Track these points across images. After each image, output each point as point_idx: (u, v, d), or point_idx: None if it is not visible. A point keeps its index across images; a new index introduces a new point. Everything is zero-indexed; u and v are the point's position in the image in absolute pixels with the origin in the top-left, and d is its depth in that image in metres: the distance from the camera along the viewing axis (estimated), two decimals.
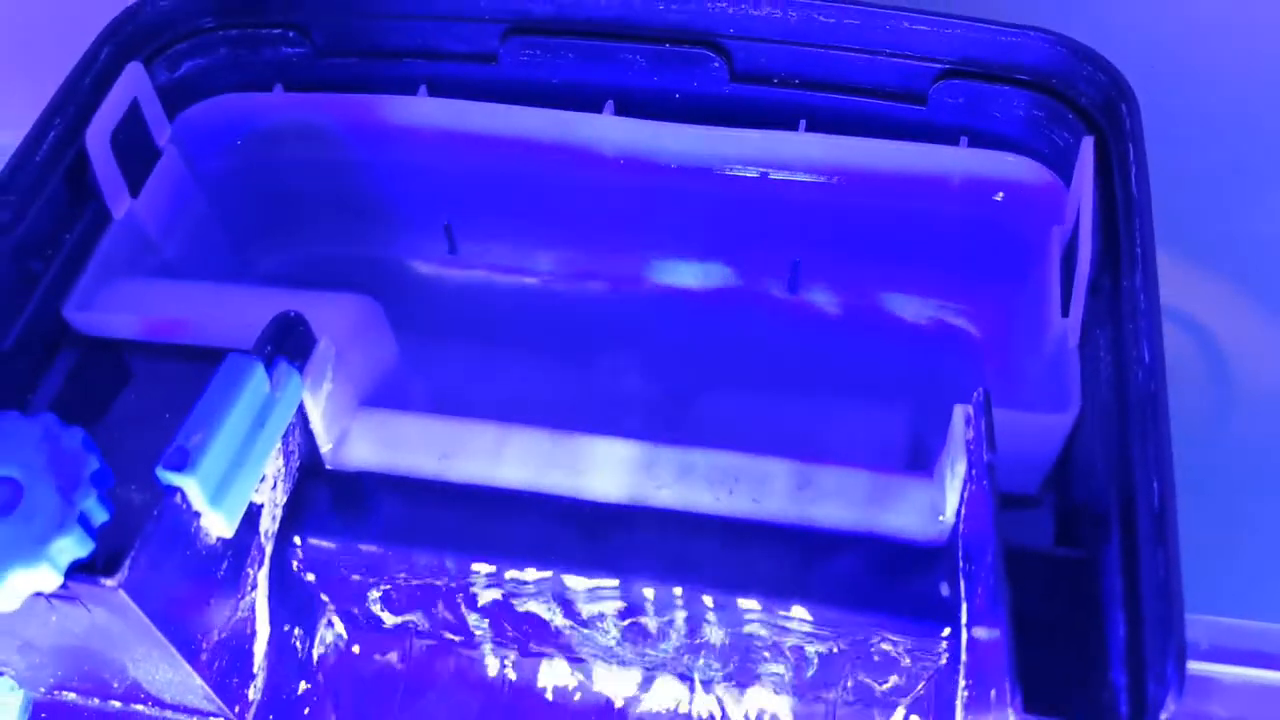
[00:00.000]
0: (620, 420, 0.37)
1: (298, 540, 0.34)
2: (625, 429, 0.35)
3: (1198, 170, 0.46)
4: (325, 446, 0.35)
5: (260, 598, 0.34)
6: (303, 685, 0.37)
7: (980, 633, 0.30)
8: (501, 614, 0.35)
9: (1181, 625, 0.25)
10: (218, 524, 0.30)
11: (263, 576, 0.33)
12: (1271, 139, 0.45)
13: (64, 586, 0.28)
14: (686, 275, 0.43)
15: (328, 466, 0.35)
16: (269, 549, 0.33)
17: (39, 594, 0.28)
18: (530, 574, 0.34)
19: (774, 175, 0.39)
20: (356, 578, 0.35)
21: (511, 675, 0.37)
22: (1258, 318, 0.51)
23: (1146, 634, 0.26)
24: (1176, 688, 0.24)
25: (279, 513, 0.34)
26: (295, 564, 0.35)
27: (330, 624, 0.37)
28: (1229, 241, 0.49)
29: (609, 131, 0.39)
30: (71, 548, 0.28)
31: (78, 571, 0.28)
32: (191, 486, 0.29)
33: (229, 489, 0.30)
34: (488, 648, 0.37)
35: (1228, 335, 0.52)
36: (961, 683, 0.31)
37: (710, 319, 0.43)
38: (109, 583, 0.28)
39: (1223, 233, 0.49)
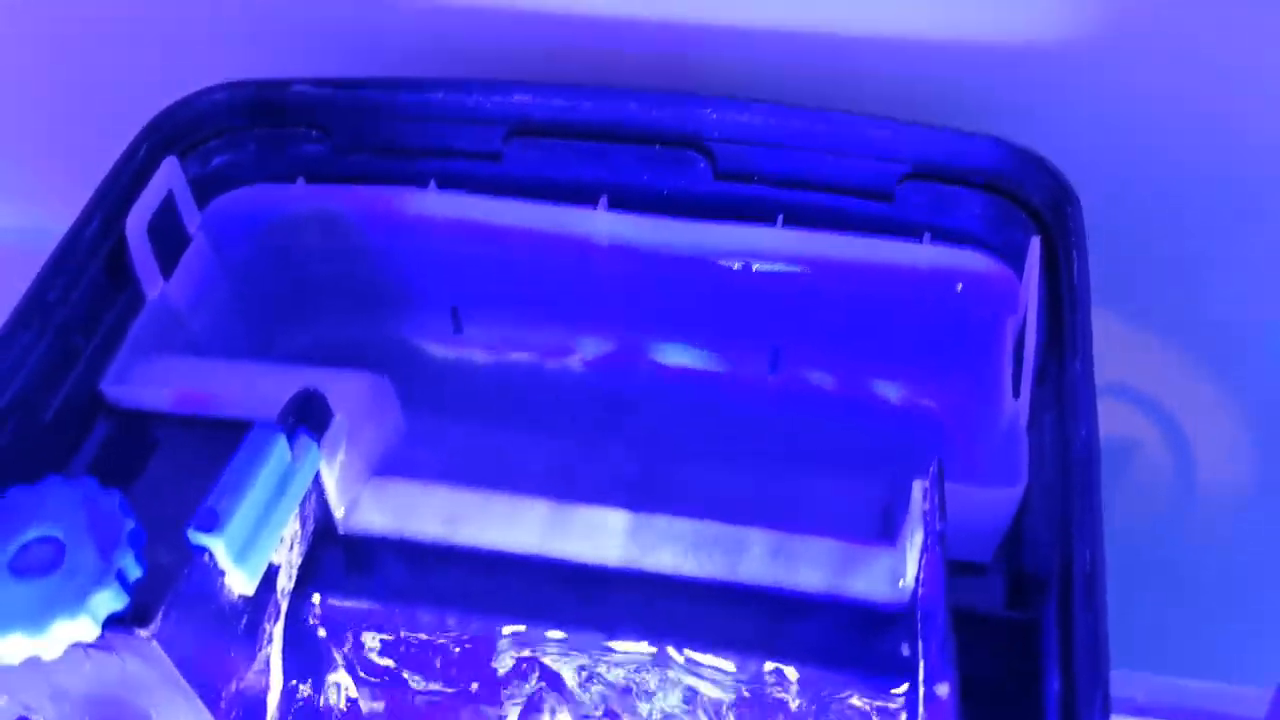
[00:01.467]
0: (610, 490, 0.40)
1: (315, 599, 0.37)
2: (615, 498, 0.38)
3: (1156, 253, 0.49)
4: (338, 512, 0.38)
5: (275, 652, 0.36)
6: None
7: (935, 689, 0.33)
8: (496, 669, 0.38)
9: (1106, 681, 0.28)
10: (241, 581, 0.33)
11: (278, 631, 0.36)
12: (1217, 221, 0.48)
13: (101, 637, 0.31)
14: (674, 356, 0.46)
15: (340, 531, 0.38)
16: (284, 606, 0.36)
17: (77, 644, 0.31)
18: (525, 631, 0.37)
19: (755, 266, 0.42)
20: (366, 634, 0.38)
21: None
22: (1212, 393, 0.54)
23: (1079, 689, 0.29)
24: None
25: (295, 572, 0.37)
26: (310, 620, 0.37)
27: (337, 679, 0.40)
28: (1184, 320, 0.52)
29: (602, 225, 0.42)
30: (109, 601, 0.30)
31: (114, 623, 0.31)
32: (219, 547, 0.32)
33: (252, 549, 0.33)
34: (490, 705, 0.40)
35: (1183, 409, 0.55)
36: None
37: (695, 397, 0.46)
38: (143, 633, 0.30)
39: (1180, 312, 0.52)
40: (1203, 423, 0.52)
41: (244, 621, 0.34)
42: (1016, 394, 0.36)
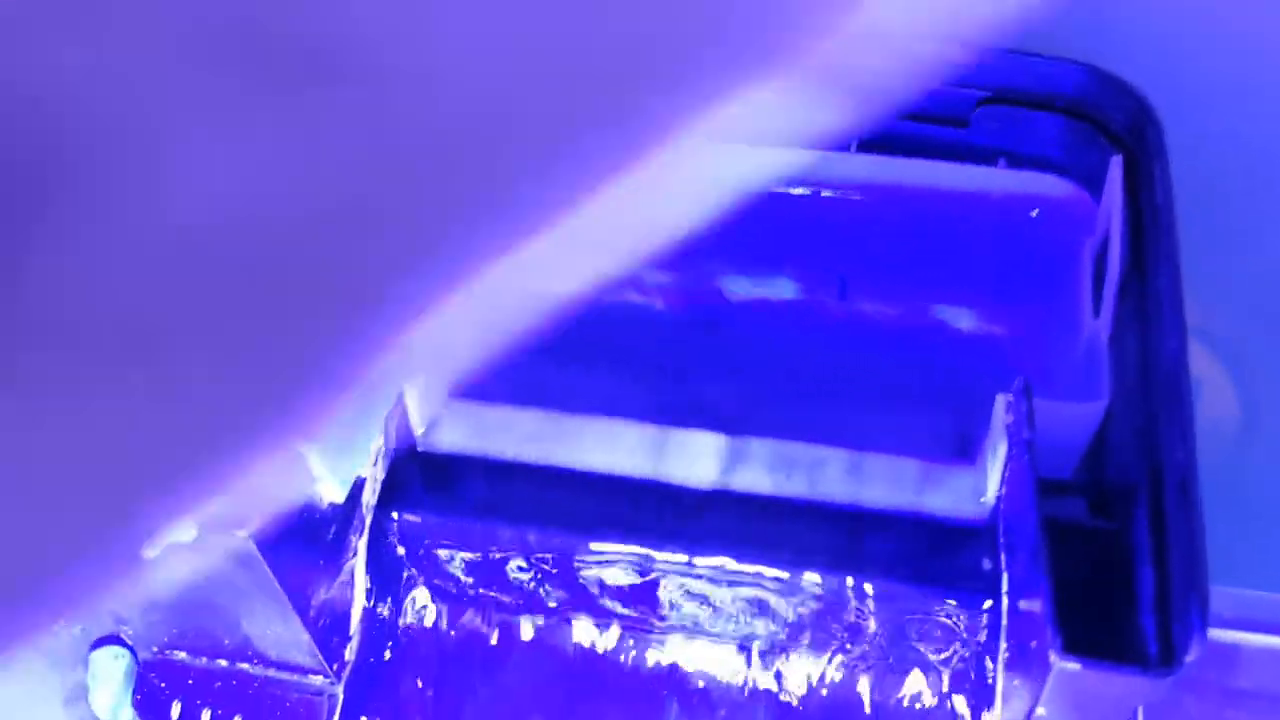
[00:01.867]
0: (694, 417, 0.41)
1: (394, 515, 0.37)
2: (699, 424, 0.38)
3: (1220, 190, 0.49)
4: (419, 430, 0.38)
5: (359, 565, 0.37)
6: (388, 651, 0.40)
7: (1021, 602, 0.33)
8: (581, 586, 0.38)
9: (1205, 579, 0.28)
10: (331, 490, 0.34)
11: (362, 545, 0.37)
12: None
13: (199, 538, 0.31)
14: (740, 286, 0.47)
15: (420, 449, 0.39)
16: (369, 520, 0.37)
17: (175, 544, 0.32)
18: (607, 548, 0.37)
19: (824, 193, 0.42)
20: (444, 552, 0.38)
21: (596, 645, 0.40)
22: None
23: (1174, 586, 0.29)
24: (1200, 632, 0.27)
25: (378, 487, 0.37)
26: (390, 537, 0.38)
27: (417, 595, 0.40)
28: (1251, 261, 0.52)
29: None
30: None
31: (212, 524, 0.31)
32: (314, 453, 0.32)
33: (342, 458, 0.34)
34: (573, 618, 0.40)
35: (1248, 351, 0.55)
36: (1002, 645, 0.33)
37: (763, 327, 0.46)
38: (240, 534, 0.31)
39: (1245, 251, 0.52)
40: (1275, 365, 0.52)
41: (332, 531, 0.35)
42: (1097, 313, 0.36)
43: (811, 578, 0.36)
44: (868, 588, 0.35)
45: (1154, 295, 0.34)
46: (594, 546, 0.37)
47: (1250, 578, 0.35)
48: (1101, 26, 0.42)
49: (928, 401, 0.42)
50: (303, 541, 0.34)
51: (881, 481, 0.37)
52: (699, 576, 0.37)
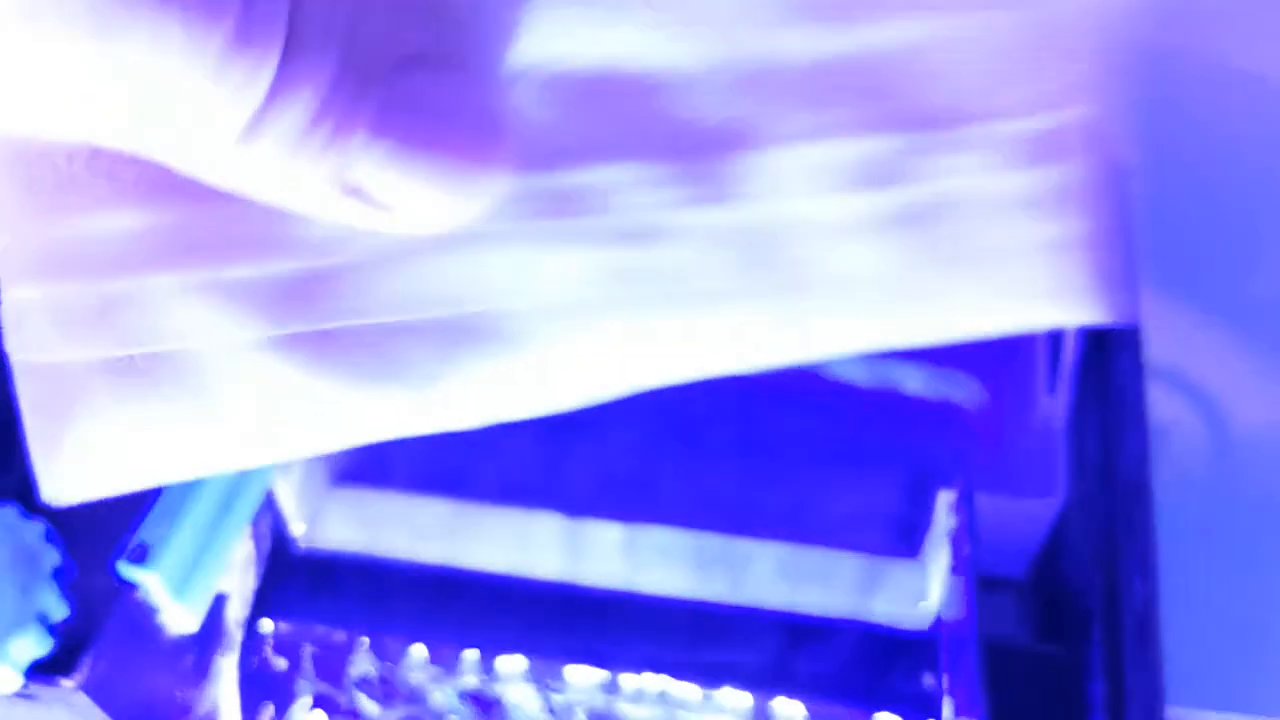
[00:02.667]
0: (599, 495, 0.37)
1: (271, 626, 0.34)
2: (604, 505, 0.35)
3: (1201, 226, 0.45)
4: (297, 527, 0.34)
5: (229, 686, 0.33)
6: None
7: None
8: (479, 701, 0.34)
9: None
10: (182, 617, 0.30)
11: (231, 664, 0.33)
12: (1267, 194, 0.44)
13: (24, 686, 0.27)
14: None
15: (300, 548, 0.35)
16: (238, 636, 0.33)
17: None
18: (508, 662, 0.33)
19: None
20: (330, 662, 0.34)
21: None
22: (1260, 378, 0.50)
23: None
24: None
25: (249, 598, 0.33)
26: (268, 650, 0.34)
27: (303, 713, 0.36)
28: (1232, 300, 0.48)
29: None
30: (30, 647, 0.27)
31: (38, 671, 0.27)
32: (153, 581, 0.28)
33: (193, 581, 0.29)
34: None
35: (1229, 397, 0.51)
36: None
37: (696, 385, 0.42)
38: (68, 683, 0.27)
39: (1226, 291, 0.48)
40: (1248, 408, 0.48)
41: (189, 659, 0.31)
42: (1052, 389, 0.32)
43: (732, 695, 0.32)
44: (797, 708, 0.32)
45: (1116, 378, 0.30)
46: (484, 657, 0.33)
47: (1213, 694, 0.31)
48: None
49: (867, 476, 0.38)
50: (151, 676, 0.30)
51: (815, 581, 0.33)
52: (612, 692, 0.33)
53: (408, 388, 0.21)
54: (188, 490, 0.29)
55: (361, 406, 0.21)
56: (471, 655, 0.33)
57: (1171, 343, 0.46)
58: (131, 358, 0.20)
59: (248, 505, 0.31)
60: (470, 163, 0.18)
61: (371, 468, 0.36)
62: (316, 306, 0.21)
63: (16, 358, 0.21)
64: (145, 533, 0.28)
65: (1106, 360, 0.31)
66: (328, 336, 0.21)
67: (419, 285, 0.21)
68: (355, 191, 0.17)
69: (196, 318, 0.20)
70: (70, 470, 0.22)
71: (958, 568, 0.29)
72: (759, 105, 0.21)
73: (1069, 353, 0.32)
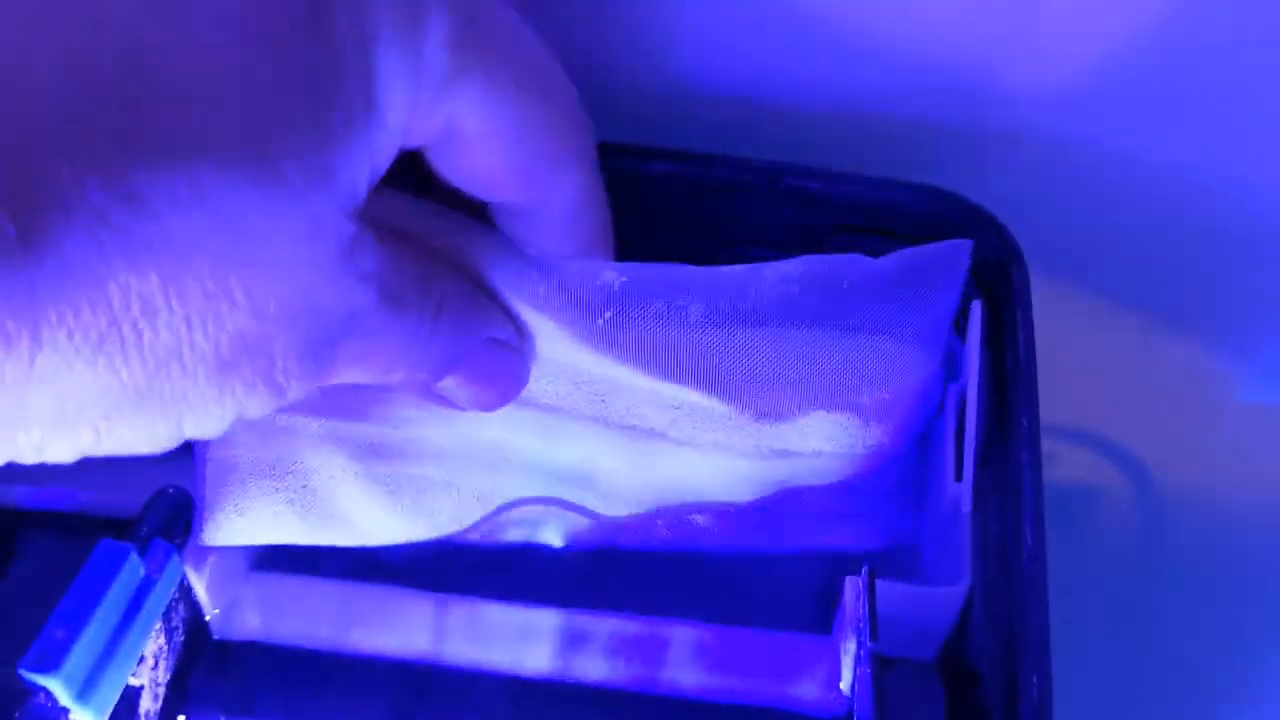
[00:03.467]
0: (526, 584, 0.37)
1: None
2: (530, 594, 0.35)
3: (1115, 287, 0.46)
4: (211, 614, 0.34)
5: None
6: None
7: None
8: None
9: None
10: (85, 717, 0.29)
11: None
12: (1185, 265, 0.45)
13: None
14: None
15: (215, 637, 0.34)
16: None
17: None
18: None
19: None
20: None
21: None
22: (1177, 438, 0.51)
23: None
24: None
25: (162, 692, 0.33)
26: None
27: None
28: (1146, 362, 0.49)
29: None
30: None
31: None
32: (56, 686, 0.28)
33: (98, 682, 0.29)
34: None
35: (1150, 455, 0.52)
36: None
37: None
38: None
39: (1140, 353, 0.49)
40: (1174, 472, 0.49)
41: None
42: (959, 476, 0.33)
43: None
44: None
45: (1014, 471, 0.30)
46: None
47: None
48: (955, 150, 0.39)
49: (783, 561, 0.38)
50: None
51: (734, 664, 0.34)
52: None
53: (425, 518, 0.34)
54: (96, 587, 0.29)
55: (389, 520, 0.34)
56: None
57: (1099, 406, 0.47)
58: (277, 460, 0.33)
59: (157, 603, 0.31)
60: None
61: (287, 553, 0.36)
62: (392, 455, 0.33)
63: (211, 452, 0.32)
64: (49, 635, 0.28)
65: (1005, 451, 0.32)
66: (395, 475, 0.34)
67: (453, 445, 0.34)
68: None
69: (321, 452, 0.33)
70: (224, 525, 0.33)
71: (862, 656, 0.29)
72: None
73: (970, 441, 0.32)
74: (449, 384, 0.29)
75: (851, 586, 0.31)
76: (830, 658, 0.33)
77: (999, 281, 0.34)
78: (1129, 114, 0.38)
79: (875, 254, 0.37)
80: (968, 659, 0.32)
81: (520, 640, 0.34)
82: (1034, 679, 0.27)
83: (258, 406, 0.23)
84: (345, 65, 0.22)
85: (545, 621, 0.34)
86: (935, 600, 0.31)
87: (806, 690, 0.33)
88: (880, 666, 0.28)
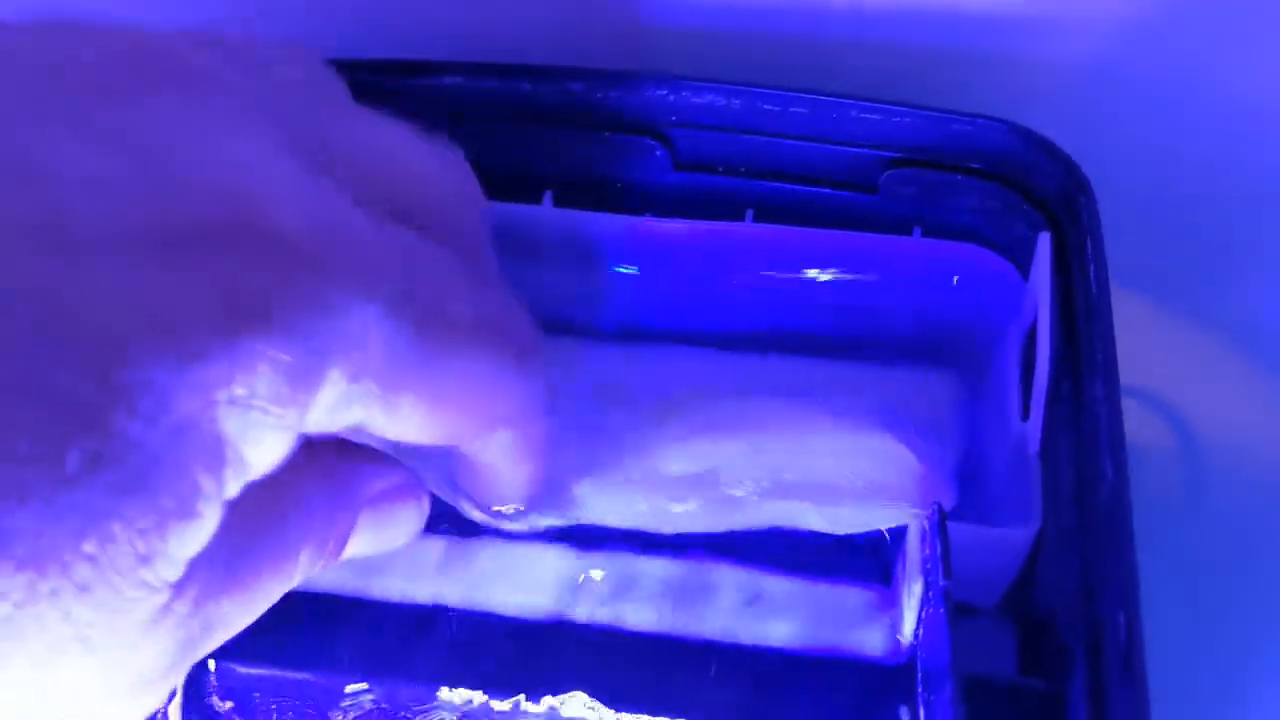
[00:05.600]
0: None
1: (212, 665, 0.32)
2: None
3: (1173, 242, 0.44)
4: None
5: None
6: None
7: None
8: None
9: None
10: None
11: (175, 709, 0.31)
12: (1237, 210, 0.44)
13: None
14: None
15: None
16: (180, 680, 0.31)
17: None
18: (465, 697, 0.32)
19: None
20: (275, 703, 0.33)
21: None
22: (1229, 392, 0.50)
23: None
24: None
25: None
26: (210, 694, 0.32)
27: None
28: (1198, 316, 0.48)
29: (547, 223, 0.37)
30: None
31: None
32: None
33: None
34: None
35: (1198, 411, 0.51)
36: None
37: None
38: None
39: (1191, 306, 0.47)
40: (1219, 427, 0.48)
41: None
42: (1025, 415, 0.31)
43: None
44: None
45: (1089, 405, 0.29)
46: (446, 697, 0.31)
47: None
48: (1024, 83, 0.37)
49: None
50: None
51: (786, 612, 0.32)
52: None
53: None
54: None
55: None
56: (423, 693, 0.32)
57: (1144, 363, 0.45)
58: None
59: None
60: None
61: None
62: None
63: None
64: None
65: (1079, 385, 0.30)
66: None
67: None
68: None
69: None
70: None
71: (932, 599, 0.28)
72: None
73: (1041, 377, 0.31)
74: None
75: (916, 525, 0.30)
76: (890, 605, 0.31)
77: (1065, 213, 0.33)
78: (1188, 42, 0.36)
79: (931, 191, 0.36)
80: (1034, 605, 0.31)
81: (564, 584, 0.32)
82: (1120, 618, 0.25)
83: None
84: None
85: (590, 565, 0.33)
86: (1004, 543, 0.30)
87: (864, 638, 0.31)
88: (952, 606, 0.27)
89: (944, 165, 0.35)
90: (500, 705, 0.31)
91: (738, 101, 0.35)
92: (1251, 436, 0.50)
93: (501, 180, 0.37)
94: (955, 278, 0.36)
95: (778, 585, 0.33)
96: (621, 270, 0.38)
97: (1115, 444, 0.28)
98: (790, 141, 0.36)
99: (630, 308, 0.39)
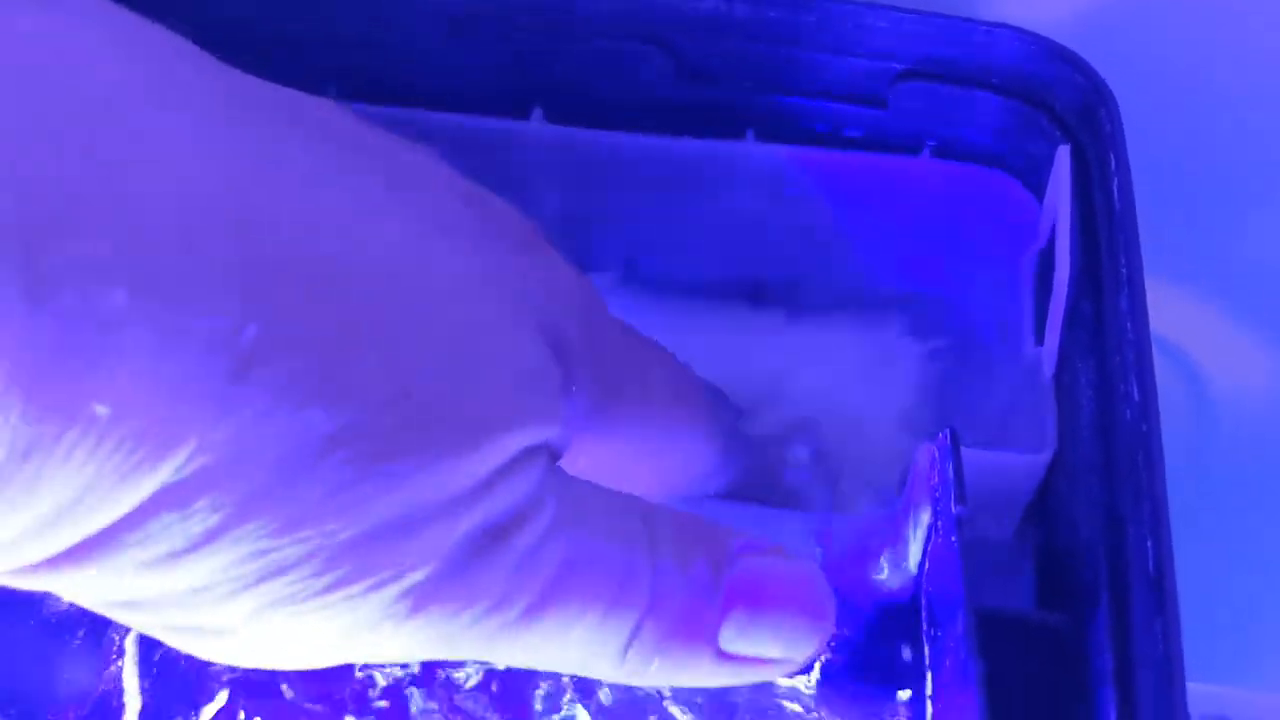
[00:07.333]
0: None
1: None
2: None
3: (1177, 184, 0.43)
4: None
5: (129, 666, 0.29)
6: None
7: (946, 705, 0.26)
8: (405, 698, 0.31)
9: (1184, 711, 0.21)
10: None
11: (131, 642, 0.29)
12: (1261, 149, 0.42)
13: None
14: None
15: None
16: None
17: None
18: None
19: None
20: None
21: None
22: (1243, 343, 0.48)
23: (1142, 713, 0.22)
24: None
25: None
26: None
27: (223, 699, 0.33)
28: (1211, 261, 0.46)
29: (538, 140, 0.35)
30: None
31: None
32: None
33: None
34: None
35: (1210, 361, 0.49)
36: None
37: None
38: None
39: (1205, 252, 0.46)
40: (1236, 378, 0.46)
41: (80, 634, 0.27)
42: (1040, 340, 0.30)
43: None
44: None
45: (1112, 325, 0.27)
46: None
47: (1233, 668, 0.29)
48: None
49: None
50: (34, 652, 0.26)
51: (781, 535, 0.31)
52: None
53: None
54: None
55: None
56: None
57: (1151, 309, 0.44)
58: None
59: None
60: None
61: None
62: None
63: None
64: None
65: (1100, 305, 0.28)
66: None
67: None
68: None
69: None
70: None
71: (941, 528, 0.26)
72: None
73: (1058, 299, 0.29)
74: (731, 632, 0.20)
75: (925, 451, 0.28)
76: (895, 533, 0.30)
77: (1086, 128, 0.31)
78: None
79: (943, 106, 0.34)
80: (1053, 537, 0.29)
81: None
82: (1149, 546, 0.23)
83: None
84: None
85: None
86: (1015, 469, 0.28)
87: (871, 568, 0.30)
88: (966, 535, 0.25)
89: (958, 79, 0.33)
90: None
91: (741, 9, 0.33)
92: (1266, 389, 0.49)
93: (486, 94, 0.36)
94: (967, 202, 0.34)
95: (777, 516, 0.31)
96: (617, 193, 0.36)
97: (1142, 363, 0.26)
98: (797, 52, 0.34)
99: (628, 239, 0.37)
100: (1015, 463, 0.28)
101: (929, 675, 0.27)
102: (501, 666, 0.25)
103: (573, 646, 0.19)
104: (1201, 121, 0.40)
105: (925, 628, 0.28)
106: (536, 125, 0.35)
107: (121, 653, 0.29)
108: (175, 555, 0.16)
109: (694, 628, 0.20)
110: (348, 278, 0.17)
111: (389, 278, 0.18)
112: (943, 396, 0.32)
